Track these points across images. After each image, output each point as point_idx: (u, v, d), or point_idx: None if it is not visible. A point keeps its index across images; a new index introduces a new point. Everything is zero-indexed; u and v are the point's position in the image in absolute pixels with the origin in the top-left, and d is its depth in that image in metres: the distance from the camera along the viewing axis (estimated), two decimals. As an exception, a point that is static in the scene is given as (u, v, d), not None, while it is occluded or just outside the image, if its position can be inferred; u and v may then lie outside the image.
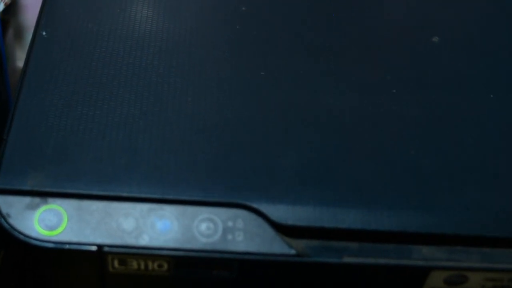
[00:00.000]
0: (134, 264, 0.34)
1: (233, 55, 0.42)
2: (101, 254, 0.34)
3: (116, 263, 0.34)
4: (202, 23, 0.44)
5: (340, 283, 0.36)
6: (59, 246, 0.33)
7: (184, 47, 0.42)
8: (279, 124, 0.39)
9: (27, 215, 0.34)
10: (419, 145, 0.39)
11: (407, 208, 0.36)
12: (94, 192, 0.35)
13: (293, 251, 0.34)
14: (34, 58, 0.40)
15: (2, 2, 0.52)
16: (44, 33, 0.42)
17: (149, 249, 0.34)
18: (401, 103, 0.41)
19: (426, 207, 0.36)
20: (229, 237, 0.34)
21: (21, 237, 0.33)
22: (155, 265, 0.34)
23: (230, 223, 0.35)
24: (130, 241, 0.34)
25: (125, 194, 0.35)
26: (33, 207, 0.34)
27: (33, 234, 0.33)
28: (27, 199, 0.34)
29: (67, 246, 0.33)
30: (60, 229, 0.34)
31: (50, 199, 0.34)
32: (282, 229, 0.35)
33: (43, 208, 0.34)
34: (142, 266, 0.34)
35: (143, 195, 0.35)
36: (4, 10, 0.53)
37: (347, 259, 0.35)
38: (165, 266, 0.34)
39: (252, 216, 0.35)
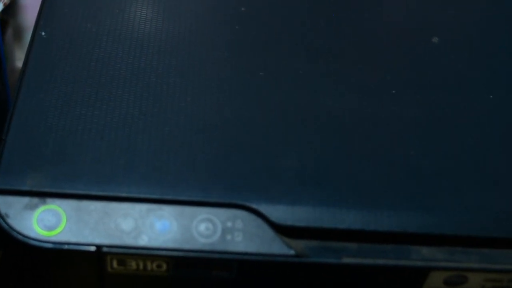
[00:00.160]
0: (133, 265, 0.34)
1: (232, 55, 0.42)
2: (100, 254, 0.34)
3: (115, 264, 0.34)
4: (201, 24, 0.44)
5: (340, 283, 0.36)
6: (57, 246, 0.33)
7: (184, 47, 0.42)
8: (278, 125, 0.39)
9: (26, 215, 0.34)
10: (419, 145, 0.39)
11: (406, 208, 0.36)
12: (93, 193, 0.34)
13: (292, 252, 0.34)
14: (33, 58, 0.40)
15: (1, 2, 0.52)
16: (43, 33, 0.41)
17: (148, 249, 0.34)
18: (401, 103, 0.41)
19: (425, 208, 0.36)
20: (228, 237, 0.34)
21: (20, 237, 0.33)
22: (154, 265, 0.34)
23: (229, 224, 0.35)
24: (129, 241, 0.34)
25: (124, 195, 0.35)
26: (32, 207, 0.34)
27: (32, 235, 0.33)
28: (25, 199, 0.34)
29: (65, 247, 0.33)
30: (58, 229, 0.33)
31: (48, 199, 0.34)
32: (281, 230, 0.35)
33: (42, 208, 0.34)
34: (141, 267, 0.34)
35: (142, 196, 0.35)
36: (3, 10, 0.53)
37: (347, 260, 0.35)
38: (164, 266, 0.34)
39: (251, 216, 0.35)
